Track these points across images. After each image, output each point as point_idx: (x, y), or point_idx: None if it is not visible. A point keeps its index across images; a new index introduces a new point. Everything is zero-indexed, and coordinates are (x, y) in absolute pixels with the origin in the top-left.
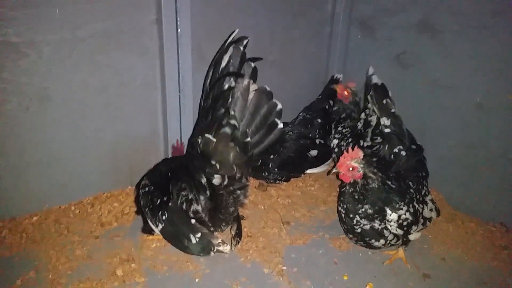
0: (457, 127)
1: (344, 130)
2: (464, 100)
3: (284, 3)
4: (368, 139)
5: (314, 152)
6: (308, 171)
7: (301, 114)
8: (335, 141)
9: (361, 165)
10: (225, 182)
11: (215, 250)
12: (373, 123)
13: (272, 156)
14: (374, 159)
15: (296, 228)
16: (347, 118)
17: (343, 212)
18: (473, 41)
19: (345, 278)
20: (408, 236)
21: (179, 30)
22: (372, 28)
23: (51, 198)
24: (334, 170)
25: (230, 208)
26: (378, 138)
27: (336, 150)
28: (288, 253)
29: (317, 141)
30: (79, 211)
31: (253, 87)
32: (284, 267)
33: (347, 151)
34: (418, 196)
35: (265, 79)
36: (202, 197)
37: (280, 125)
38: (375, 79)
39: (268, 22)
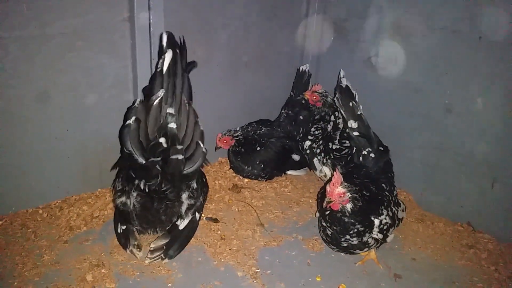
0: (426, 129)
1: (317, 132)
2: (433, 103)
3: (259, 4)
4: (337, 141)
5: (296, 157)
6: (289, 172)
7: (283, 111)
8: (308, 143)
9: (348, 189)
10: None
11: (129, 249)
12: (341, 126)
13: (258, 149)
14: (342, 163)
15: (270, 230)
16: (321, 120)
17: (330, 234)
18: (442, 44)
19: (318, 279)
20: (386, 238)
21: (152, 29)
22: (345, 31)
23: (18, 202)
24: (326, 200)
25: (161, 215)
26: (347, 141)
27: (308, 152)
28: (262, 255)
29: (300, 146)
30: (47, 215)
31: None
32: (258, 270)
33: (332, 179)
34: (393, 199)
35: (239, 79)
36: (134, 193)
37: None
38: (344, 82)
39: (243, 23)
